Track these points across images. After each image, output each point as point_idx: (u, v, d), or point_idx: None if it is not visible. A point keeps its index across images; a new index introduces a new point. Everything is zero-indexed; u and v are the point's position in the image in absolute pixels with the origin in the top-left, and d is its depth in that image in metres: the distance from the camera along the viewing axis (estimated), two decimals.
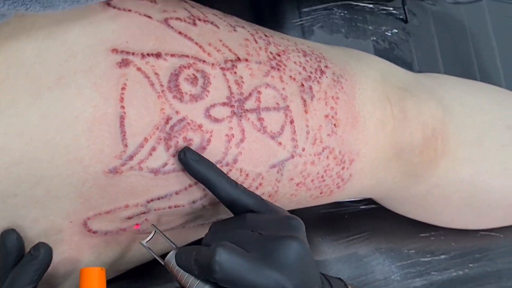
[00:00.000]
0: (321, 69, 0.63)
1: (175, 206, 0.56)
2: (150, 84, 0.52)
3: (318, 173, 0.62)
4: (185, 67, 0.54)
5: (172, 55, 0.54)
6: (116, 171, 0.51)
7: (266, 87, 0.57)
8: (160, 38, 0.54)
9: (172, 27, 0.55)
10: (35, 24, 0.50)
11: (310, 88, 0.61)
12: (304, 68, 0.62)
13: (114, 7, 0.54)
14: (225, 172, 0.55)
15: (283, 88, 0.59)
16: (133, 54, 0.52)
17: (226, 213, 0.60)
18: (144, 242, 0.55)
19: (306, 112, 0.60)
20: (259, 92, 0.57)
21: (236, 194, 0.53)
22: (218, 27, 0.59)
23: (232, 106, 0.55)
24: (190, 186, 0.55)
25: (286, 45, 0.63)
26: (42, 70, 0.49)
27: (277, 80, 0.58)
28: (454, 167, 0.72)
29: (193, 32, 0.56)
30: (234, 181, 0.54)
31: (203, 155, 0.54)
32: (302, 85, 0.60)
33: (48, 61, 0.50)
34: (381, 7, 0.90)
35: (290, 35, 0.71)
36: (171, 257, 0.52)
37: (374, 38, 0.89)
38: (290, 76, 0.60)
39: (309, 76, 0.61)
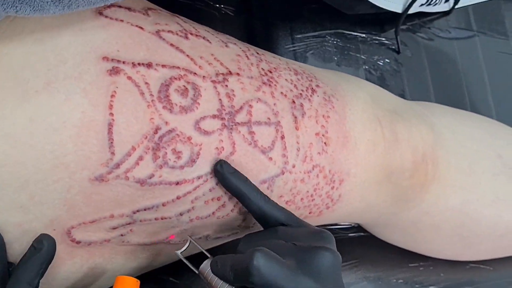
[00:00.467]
0: (312, 88, 0.63)
1: (162, 218, 0.55)
2: (140, 93, 0.51)
3: (307, 191, 0.61)
4: (176, 78, 0.53)
5: (163, 66, 0.53)
6: (102, 179, 0.51)
7: (257, 102, 0.57)
8: (151, 48, 0.54)
9: (164, 39, 0.55)
10: (25, 28, 0.50)
11: (301, 105, 0.60)
12: (295, 85, 0.62)
13: (106, 17, 0.54)
14: (215, 184, 0.55)
15: (274, 104, 0.58)
16: (124, 62, 0.52)
17: (211, 230, 0.59)
18: (179, 252, 0.55)
19: (297, 128, 0.59)
20: (250, 106, 0.57)
21: (268, 208, 0.54)
22: (210, 42, 0.59)
23: (222, 118, 0.55)
24: (178, 198, 0.54)
25: (277, 63, 0.63)
26: (30, 74, 0.49)
27: (268, 95, 0.58)
28: (445, 193, 0.71)
29: (185, 45, 0.56)
30: (266, 195, 0.54)
31: (193, 167, 0.53)
32: (293, 102, 0.60)
33: (37, 65, 0.49)
34: (374, 37, 0.91)
35: None
36: (205, 265, 0.52)
37: (366, 67, 0.89)
38: (282, 93, 0.60)
39: (300, 94, 0.61)
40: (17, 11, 0.44)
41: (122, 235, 0.55)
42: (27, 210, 0.51)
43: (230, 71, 0.57)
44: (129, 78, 0.51)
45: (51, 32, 0.51)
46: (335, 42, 0.89)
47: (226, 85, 0.56)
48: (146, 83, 0.52)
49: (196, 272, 0.53)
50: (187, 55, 0.56)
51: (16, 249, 0.52)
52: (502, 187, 0.75)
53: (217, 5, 0.84)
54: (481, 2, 0.97)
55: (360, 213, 0.69)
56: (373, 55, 0.90)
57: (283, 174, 0.59)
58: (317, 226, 0.70)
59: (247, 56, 0.61)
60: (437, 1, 0.90)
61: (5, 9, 0.43)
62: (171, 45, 0.55)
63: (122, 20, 0.54)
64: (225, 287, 0.50)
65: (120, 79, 0.51)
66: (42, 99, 0.49)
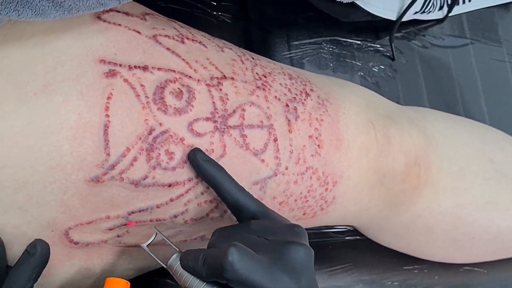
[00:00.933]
0: (306, 92, 0.64)
1: (156, 220, 0.56)
2: (135, 95, 0.52)
3: (301, 193, 0.62)
4: (171, 81, 0.55)
5: (159, 69, 0.54)
6: (97, 180, 0.51)
7: (250, 105, 0.58)
8: (147, 52, 0.55)
9: (160, 43, 0.56)
10: (25, 32, 0.51)
11: (295, 108, 0.61)
12: (289, 90, 0.63)
13: (104, 21, 0.55)
14: (207, 187, 0.56)
15: (267, 107, 0.59)
16: (120, 65, 0.53)
17: (206, 230, 0.60)
18: (144, 245, 0.54)
19: (290, 131, 0.60)
20: (243, 110, 0.58)
21: (242, 198, 0.54)
22: (206, 47, 0.60)
23: (215, 121, 0.56)
24: (171, 200, 0.55)
25: (272, 67, 0.65)
26: (29, 76, 0.50)
27: (262, 99, 0.59)
28: (437, 197, 0.72)
29: (181, 49, 0.57)
30: (240, 185, 0.55)
31: (184, 169, 0.54)
32: (287, 105, 0.61)
33: (36, 68, 0.50)
34: (369, 44, 0.92)
35: None
36: (174, 260, 0.51)
37: (362, 74, 0.90)
38: (275, 97, 0.61)
39: (294, 98, 0.62)
40: (19, 15, 0.45)
41: (118, 236, 0.56)
42: (25, 212, 0.51)
43: (224, 75, 0.58)
44: (125, 80, 0.52)
45: (50, 35, 0.52)
46: (331, 49, 0.90)
47: (220, 89, 0.57)
48: (142, 85, 0.53)
49: (164, 266, 0.53)
50: (183, 59, 0.57)
51: (16, 251, 0.53)
52: (493, 191, 0.76)
53: (215, 13, 0.85)
54: (475, 10, 0.98)
55: (353, 215, 0.70)
56: (368, 62, 0.92)
57: (275, 175, 0.59)
58: (312, 233, 0.72)
59: (242, 61, 0.62)
60: (431, 9, 0.91)
61: (7, 13, 0.44)
62: (167, 49, 0.56)
63: (120, 25, 0.55)
64: (195, 283, 0.49)
65: (117, 82, 0.52)
66: (40, 101, 0.50)
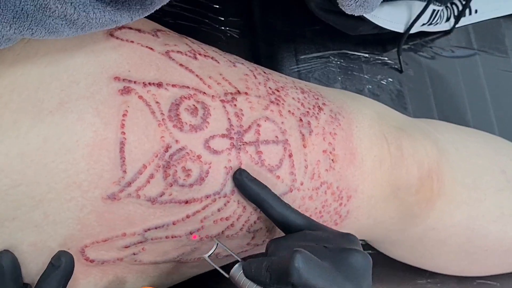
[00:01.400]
0: (319, 106, 0.64)
1: (172, 237, 0.56)
2: (151, 112, 0.52)
3: (316, 208, 0.62)
4: (185, 98, 0.54)
5: (173, 86, 0.54)
6: (114, 198, 0.51)
7: (265, 120, 0.58)
8: (161, 68, 0.55)
9: (173, 59, 0.56)
10: (39, 50, 0.51)
11: (309, 123, 0.61)
12: (302, 104, 0.62)
13: (117, 38, 0.55)
14: (223, 204, 0.55)
15: (282, 122, 0.59)
16: (135, 82, 0.53)
17: (221, 248, 0.60)
18: (206, 256, 0.56)
19: (304, 146, 0.60)
20: (258, 125, 0.57)
21: (288, 213, 0.55)
22: (218, 62, 0.60)
23: (231, 138, 0.56)
24: (187, 217, 0.55)
25: (284, 82, 0.64)
26: (44, 94, 0.50)
27: (276, 114, 0.59)
28: (450, 209, 0.72)
29: (194, 65, 0.57)
30: (285, 202, 0.56)
31: (202, 186, 0.54)
32: (301, 120, 0.61)
33: (51, 86, 0.50)
34: (377, 57, 0.92)
35: None
36: (236, 269, 0.53)
37: (370, 87, 0.90)
38: (289, 111, 0.60)
39: (307, 112, 0.62)
40: (32, 33, 0.45)
41: (134, 253, 0.56)
42: (42, 230, 0.51)
43: (238, 91, 0.58)
44: (140, 97, 0.52)
45: (64, 53, 0.52)
46: (338, 63, 0.90)
47: (235, 105, 0.57)
48: (157, 102, 0.53)
49: (227, 276, 0.54)
50: (196, 75, 0.57)
51: (33, 269, 0.52)
52: (506, 202, 0.75)
53: (222, 28, 0.85)
54: (481, 21, 0.98)
55: (367, 229, 0.70)
56: (376, 74, 0.92)
57: (291, 191, 0.59)
58: None
59: (254, 76, 0.61)
60: (438, 21, 0.91)
61: (21, 31, 0.44)
62: (181, 65, 0.56)
63: (132, 41, 0.55)
64: None
65: (132, 99, 0.52)
66: (55, 119, 0.49)
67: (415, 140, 0.70)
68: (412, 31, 0.88)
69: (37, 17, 0.43)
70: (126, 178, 0.51)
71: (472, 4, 0.95)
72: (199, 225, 0.56)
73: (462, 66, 0.97)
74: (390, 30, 0.86)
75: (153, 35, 0.58)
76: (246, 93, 0.59)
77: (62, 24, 0.45)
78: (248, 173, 0.56)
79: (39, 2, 0.42)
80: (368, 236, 0.74)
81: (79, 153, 0.50)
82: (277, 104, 0.60)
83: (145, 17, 0.59)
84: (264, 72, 0.64)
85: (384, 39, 0.92)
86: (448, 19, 0.94)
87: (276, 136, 0.58)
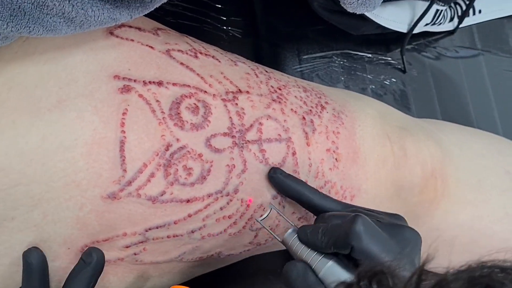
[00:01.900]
0: (322, 105, 0.63)
1: (174, 236, 0.55)
2: (151, 111, 0.52)
3: None
4: (186, 96, 0.54)
5: (174, 84, 0.54)
6: (114, 197, 0.51)
7: (267, 119, 0.58)
8: (162, 67, 0.55)
9: (174, 58, 0.56)
10: (37, 48, 0.51)
11: (312, 121, 0.61)
12: (305, 102, 0.62)
13: (117, 36, 0.55)
14: (226, 203, 0.55)
15: (284, 120, 0.59)
16: (135, 81, 0.53)
17: (223, 247, 0.59)
18: (259, 219, 0.56)
19: (308, 144, 0.60)
20: (260, 124, 0.57)
21: (330, 204, 0.55)
22: (219, 61, 0.60)
23: (233, 136, 0.55)
24: (189, 216, 0.54)
25: (286, 80, 0.64)
26: (43, 92, 0.50)
27: (278, 112, 0.59)
28: (454, 209, 0.71)
29: (194, 64, 0.57)
30: (324, 193, 0.56)
31: (203, 185, 0.53)
32: (304, 118, 0.60)
33: (49, 84, 0.50)
34: (380, 57, 0.92)
35: None
36: (290, 234, 0.53)
37: (373, 87, 0.90)
38: (292, 109, 0.60)
39: (310, 110, 0.62)
40: (30, 31, 0.44)
41: (135, 254, 0.55)
42: (41, 229, 0.51)
43: (239, 89, 0.58)
44: (140, 96, 0.52)
45: (63, 51, 0.52)
46: (341, 63, 0.89)
47: (236, 103, 0.57)
48: (157, 101, 0.53)
49: (279, 240, 0.54)
50: (197, 74, 0.56)
51: None
52: (511, 203, 0.75)
53: (225, 28, 0.85)
54: (485, 21, 0.98)
55: None
56: (379, 74, 0.91)
57: None
58: None
59: (256, 74, 0.61)
60: (441, 21, 0.91)
61: (18, 29, 0.44)
62: (181, 64, 0.56)
63: (132, 40, 0.55)
64: (312, 255, 0.50)
65: (132, 97, 0.52)
66: (54, 117, 0.49)
67: (418, 140, 0.69)
68: (416, 31, 0.87)
69: (34, 15, 0.43)
70: (126, 177, 0.51)
71: (476, 4, 0.95)
72: (201, 224, 0.56)
73: (466, 66, 0.96)
74: (393, 30, 0.86)
75: (153, 34, 0.58)
76: (247, 92, 0.58)
77: (60, 22, 0.45)
78: (282, 170, 0.56)
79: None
80: None
81: (78, 152, 0.49)
82: (279, 102, 0.60)
83: (147, 16, 0.59)
84: (266, 71, 0.63)
85: (388, 39, 0.92)
86: (451, 19, 0.93)
87: (279, 134, 0.58)
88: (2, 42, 0.45)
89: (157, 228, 0.54)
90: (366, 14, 0.80)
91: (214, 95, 0.56)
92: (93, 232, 0.52)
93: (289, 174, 0.56)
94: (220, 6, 0.84)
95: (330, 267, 0.49)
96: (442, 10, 0.88)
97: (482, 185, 0.74)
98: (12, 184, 0.48)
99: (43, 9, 0.43)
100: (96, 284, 0.56)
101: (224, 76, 0.58)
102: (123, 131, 0.51)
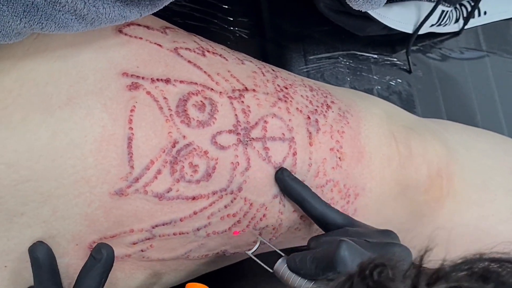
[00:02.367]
0: (327, 104, 0.64)
1: (180, 233, 0.55)
2: (158, 108, 0.52)
3: None
4: (193, 94, 0.55)
5: (181, 82, 0.54)
6: (121, 193, 0.51)
7: (272, 117, 0.58)
8: (169, 65, 0.55)
9: (181, 56, 0.57)
10: (48, 46, 0.52)
11: (316, 121, 0.61)
12: (310, 101, 0.62)
13: (125, 34, 0.55)
14: (230, 201, 0.56)
15: (289, 120, 0.59)
16: (143, 78, 0.53)
17: (228, 245, 0.60)
18: (250, 252, 0.58)
19: (310, 144, 0.60)
20: (265, 122, 0.57)
21: (328, 212, 0.56)
22: (226, 59, 0.60)
23: (238, 134, 0.56)
24: (194, 213, 0.55)
25: (293, 79, 0.64)
26: (53, 90, 0.50)
27: (284, 111, 0.59)
28: (460, 209, 0.71)
29: (202, 62, 0.57)
30: (325, 201, 0.57)
31: (208, 182, 0.54)
32: (309, 117, 0.61)
33: (60, 81, 0.51)
34: (386, 58, 0.92)
35: None
36: (280, 264, 0.54)
37: (379, 87, 0.90)
38: (297, 108, 0.60)
39: (316, 110, 0.62)
40: (42, 27, 0.45)
41: (142, 250, 0.56)
42: (50, 225, 0.51)
43: (246, 87, 0.58)
44: (148, 93, 0.53)
45: (73, 49, 0.52)
46: (347, 63, 0.90)
47: (242, 101, 0.57)
48: (165, 98, 0.53)
49: (270, 271, 0.55)
50: (204, 72, 0.57)
51: None
52: None
53: (231, 28, 0.85)
54: (491, 22, 0.98)
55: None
56: (385, 75, 0.91)
57: None
58: None
59: (263, 73, 0.62)
60: (447, 22, 0.91)
61: (31, 25, 0.44)
62: (189, 61, 0.57)
63: (141, 38, 0.56)
64: (303, 283, 0.51)
65: (139, 94, 0.52)
66: (64, 114, 0.50)
67: (424, 139, 0.69)
68: (421, 32, 0.88)
69: (47, 11, 0.44)
70: (134, 173, 0.51)
71: (481, 5, 0.95)
72: (206, 222, 0.56)
73: (471, 68, 0.97)
74: (399, 31, 0.86)
75: (162, 32, 0.58)
76: (254, 90, 0.59)
77: (72, 19, 0.45)
78: (289, 172, 0.57)
79: None
80: None
81: (87, 149, 0.50)
82: (285, 101, 0.60)
83: (155, 16, 0.60)
84: (273, 70, 0.64)
85: (393, 40, 0.92)
86: (457, 21, 0.94)
87: (283, 134, 0.58)
88: (15, 38, 0.46)
89: (163, 225, 0.54)
90: (372, 14, 0.80)
91: (220, 92, 0.56)
92: (100, 228, 0.53)
93: (295, 177, 0.57)
94: (227, 7, 0.85)
95: None
96: (447, 11, 0.89)
97: (488, 184, 0.74)
98: (22, 180, 0.49)
99: (56, 6, 0.43)
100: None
101: (231, 74, 0.58)
102: (131, 128, 0.51)
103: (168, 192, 0.53)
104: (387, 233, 0.55)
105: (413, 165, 0.67)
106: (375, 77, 0.91)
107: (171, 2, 0.50)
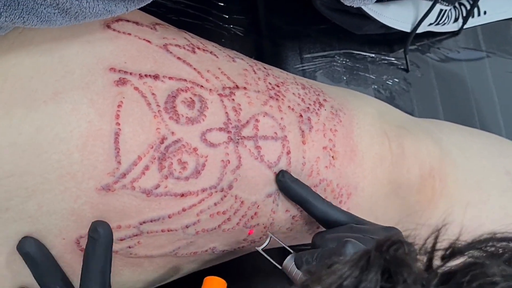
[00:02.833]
0: (320, 102, 0.63)
1: (168, 230, 0.55)
2: (146, 104, 0.52)
3: None
4: (182, 90, 0.54)
5: (170, 78, 0.54)
6: (108, 189, 0.51)
7: (264, 116, 0.58)
8: (158, 61, 0.55)
9: (171, 52, 0.56)
10: (33, 40, 0.51)
11: (309, 119, 0.61)
12: (303, 99, 0.62)
13: (114, 30, 0.55)
14: (220, 198, 0.55)
15: (281, 118, 0.59)
16: (131, 74, 0.53)
17: (217, 242, 0.59)
18: (260, 248, 0.58)
19: (303, 143, 0.59)
20: (257, 120, 0.57)
21: (332, 211, 0.57)
22: (217, 57, 0.60)
23: (229, 132, 0.55)
24: (183, 210, 0.54)
25: (285, 77, 0.64)
26: (38, 84, 0.50)
27: (275, 109, 0.59)
28: (453, 209, 0.71)
29: (192, 59, 0.57)
30: (326, 200, 0.58)
31: (198, 179, 0.53)
32: (301, 115, 0.60)
33: (45, 76, 0.50)
34: (383, 57, 0.91)
35: None
36: (289, 261, 0.55)
37: (376, 87, 0.90)
38: (289, 107, 0.60)
39: (308, 108, 0.61)
40: (24, 22, 0.44)
41: (129, 247, 0.55)
42: (36, 220, 0.51)
43: (237, 85, 0.58)
44: (136, 88, 0.52)
45: (59, 43, 0.52)
46: (344, 62, 0.89)
47: (233, 99, 0.56)
48: (153, 94, 0.53)
49: (279, 267, 0.56)
50: (194, 68, 0.56)
51: None
52: (511, 203, 0.74)
53: (226, 25, 0.85)
54: (490, 22, 0.97)
55: None
56: (382, 75, 0.91)
57: None
58: None
59: (254, 71, 0.61)
60: (446, 21, 0.90)
61: (12, 19, 0.44)
62: (178, 58, 0.56)
63: (129, 34, 0.55)
64: None
65: (127, 90, 0.52)
66: (49, 109, 0.49)
67: (417, 139, 0.69)
68: (419, 30, 0.87)
69: (28, 5, 0.43)
70: (121, 169, 0.51)
71: (480, 5, 0.94)
72: (195, 219, 0.56)
73: (470, 68, 0.96)
74: (397, 30, 0.86)
75: (151, 28, 0.58)
76: (244, 88, 0.58)
77: (55, 12, 0.45)
78: (290, 174, 0.57)
79: None
80: None
81: (73, 144, 0.50)
82: (277, 99, 0.59)
83: (148, 13, 0.59)
84: (264, 68, 0.63)
85: (391, 39, 0.92)
86: (456, 20, 0.93)
87: (275, 133, 0.58)
88: None
89: (151, 221, 0.54)
90: (369, 12, 0.80)
91: (210, 90, 0.56)
92: (87, 224, 0.52)
93: (296, 179, 0.57)
94: (222, 4, 0.84)
95: None
96: (446, 10, 0.88)
97: (482, 185, 0.73)
98: (5, 175, 0.48)
99: (37, 0, 0.43)
100: None
101: (222, 72, 0.58)
102: (118, 123, 0.51)
103: (156, 188, 0.52)
104: (391, 230, 0.55)
105: (405, 164, 0.66)
106: (372, 76, 0.90)
107: None
